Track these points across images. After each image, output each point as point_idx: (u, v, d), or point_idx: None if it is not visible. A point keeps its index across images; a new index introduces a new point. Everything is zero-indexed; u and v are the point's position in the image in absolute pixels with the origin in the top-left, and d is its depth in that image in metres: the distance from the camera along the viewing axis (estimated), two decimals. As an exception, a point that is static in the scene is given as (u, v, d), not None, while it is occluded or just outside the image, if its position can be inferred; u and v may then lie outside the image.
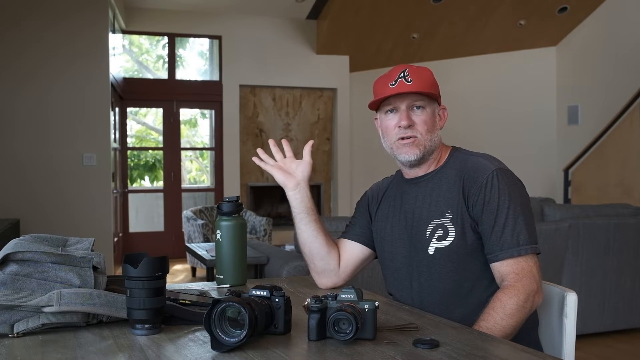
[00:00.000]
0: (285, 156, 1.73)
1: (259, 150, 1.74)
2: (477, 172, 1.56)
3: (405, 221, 1.65)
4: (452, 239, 1.54)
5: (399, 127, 1.60)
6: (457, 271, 1.55)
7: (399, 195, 1.70)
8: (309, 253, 1.72)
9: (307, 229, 1.70)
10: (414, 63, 8.48)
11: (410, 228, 1.63)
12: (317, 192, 8.46)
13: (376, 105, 1.67)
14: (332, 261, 1.72)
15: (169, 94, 8.01)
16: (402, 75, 1.59)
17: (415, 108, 1.61)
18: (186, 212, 6.76)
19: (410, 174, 1.68)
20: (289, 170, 1.70)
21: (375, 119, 1.71)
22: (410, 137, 1.60)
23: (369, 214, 1.78)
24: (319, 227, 1.71)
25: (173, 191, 8.12)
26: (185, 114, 9.25)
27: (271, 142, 1.74)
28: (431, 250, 1.57)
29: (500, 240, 1.50)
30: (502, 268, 1.50)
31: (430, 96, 1.61)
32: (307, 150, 1.69)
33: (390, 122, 1.63)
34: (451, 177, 1.61)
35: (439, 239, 1.56)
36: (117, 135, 7.05)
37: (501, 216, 1.50)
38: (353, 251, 1.76)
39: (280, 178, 1.69)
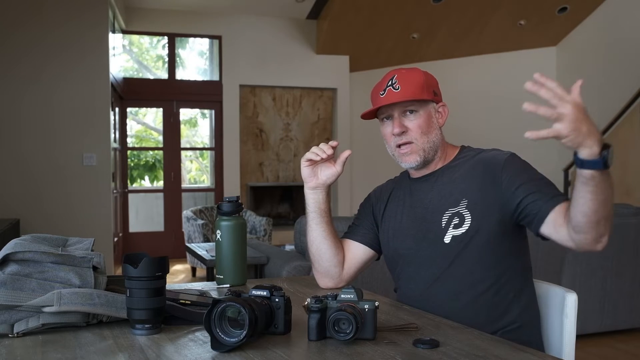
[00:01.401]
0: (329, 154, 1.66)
1: (333, 143, 1.65)
2: (495, 158, 1.60)
3: (415, 215, 1.65)
4: (469, 225, 1.55)
5: (393, 134, 1.62)
6: (470, 259, 1.55)
7: (407, 194, 1.71)
8: (316, 253, 1.73)
9: (317, 228, 1.71)
10: (414, 63, 8.49)
11: (422, 221, 1.63)
12: (317, 192, 8.45)
13: (370, 116, 1.69)
14: (337, 264, 1.72)
15: (169, 94, 8.01)
16: (390, 83, 1.61)
17: (408, 113, 1.62)
18: (186, 212, 6.77)
19: (417, 173, 1.70)
20: (315, 170, 1.69)
21: None
22: (407, 144, 1.62)
23: (373, 216, 1.78)
24: (330, 230, 1.71)
25: (173, 191, 8.11)
26: (185, 114, 9.25)
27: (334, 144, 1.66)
28: (447, 239, 1.57)
29: (550, 194, 1.49)
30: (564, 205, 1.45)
31: (422, 100, 1.61)
32: (341, 160, 1.66)
33: (387, 130, 1.65)
34: (465, 168, 1.62)
35: (455, 226, 1.56)
36: (117, 135, 7.05)
37: (538, 182, 1.52)
38: (356, 252, 1.76)
39: (305, 173, 1.68)
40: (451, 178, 1.63)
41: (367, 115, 1.68)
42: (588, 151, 1.24)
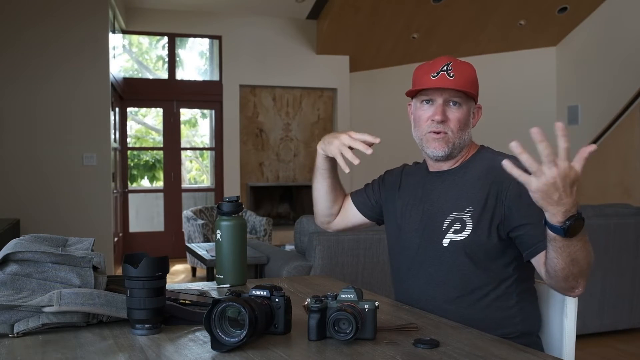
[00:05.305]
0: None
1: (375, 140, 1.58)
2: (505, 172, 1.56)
3: (423, 212, 1.65)
4: (468, 233, 1.55)
5: (432, 120, 1.59)
6: (468, 266, 1.55)
7: (420, 185, 1.71)
8: (315, 200, 1.88)
9: (321, 185, 1.83)
10: (414, 63, 8.48)
11: (428, 219, 1.63)
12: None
13: (414, 94, 1.65)
14: (328, 215, 1.89)
15: (169, 94, 8.01)
16: (445, 68, 1.58)
17: (451, 104, 1.59)
18: (186, 212, 6.76)
19: (434, 166, 1.69)
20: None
21: (409, 104, 1.70)
22: (440, 133, 1.59)
23: (381, 196, 1.82)
24: (331, 187, 1.82)
25: (173, 191, 8.11)
26: (185, 114, 9.25)
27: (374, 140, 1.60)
28: (446, 242, 1.57)
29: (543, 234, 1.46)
30: None
31: (469, 94, 1.59)
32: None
33: (424, 114, 1.61)
34: (477, 173, 1.61)
35: (456, 232, 1.56)
36: (117, 135, 7.05)
37: (539, 213, 1.42)
38: (351, 213, 1.88)
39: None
40: (463, 180, 1.61)
41: (410, 93, 1.65)
42: (550, 216, 1.24)
